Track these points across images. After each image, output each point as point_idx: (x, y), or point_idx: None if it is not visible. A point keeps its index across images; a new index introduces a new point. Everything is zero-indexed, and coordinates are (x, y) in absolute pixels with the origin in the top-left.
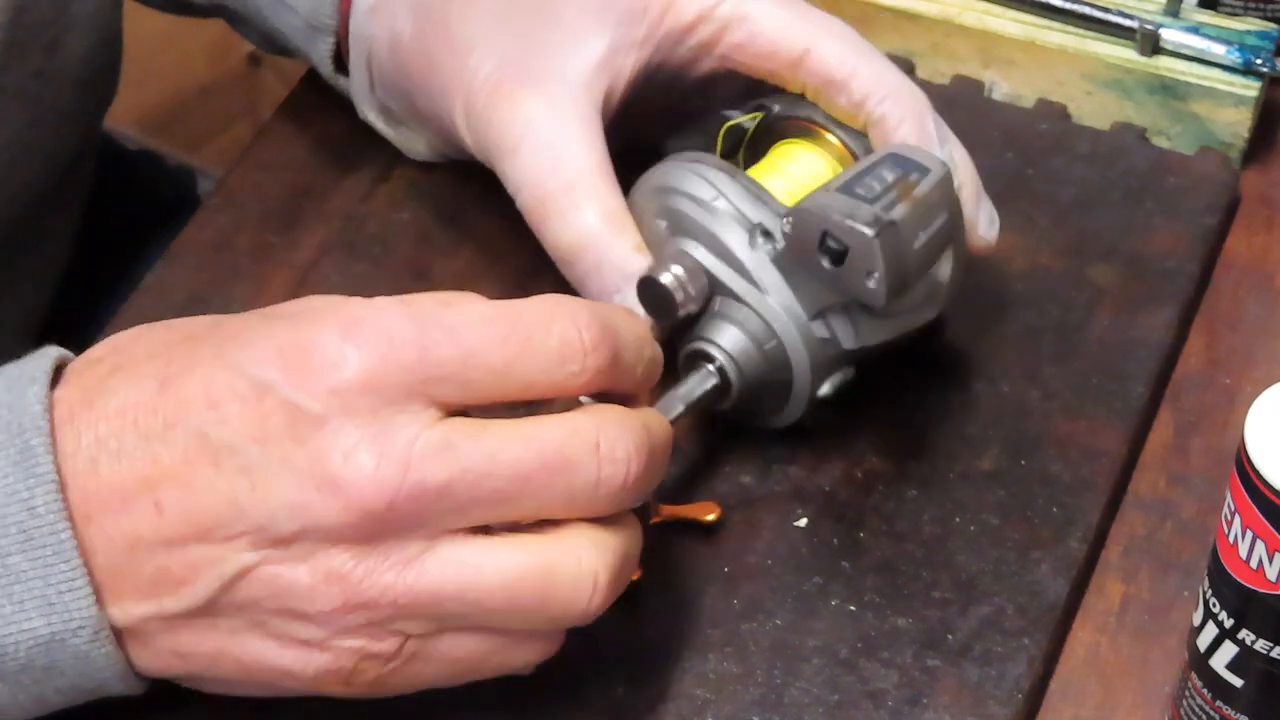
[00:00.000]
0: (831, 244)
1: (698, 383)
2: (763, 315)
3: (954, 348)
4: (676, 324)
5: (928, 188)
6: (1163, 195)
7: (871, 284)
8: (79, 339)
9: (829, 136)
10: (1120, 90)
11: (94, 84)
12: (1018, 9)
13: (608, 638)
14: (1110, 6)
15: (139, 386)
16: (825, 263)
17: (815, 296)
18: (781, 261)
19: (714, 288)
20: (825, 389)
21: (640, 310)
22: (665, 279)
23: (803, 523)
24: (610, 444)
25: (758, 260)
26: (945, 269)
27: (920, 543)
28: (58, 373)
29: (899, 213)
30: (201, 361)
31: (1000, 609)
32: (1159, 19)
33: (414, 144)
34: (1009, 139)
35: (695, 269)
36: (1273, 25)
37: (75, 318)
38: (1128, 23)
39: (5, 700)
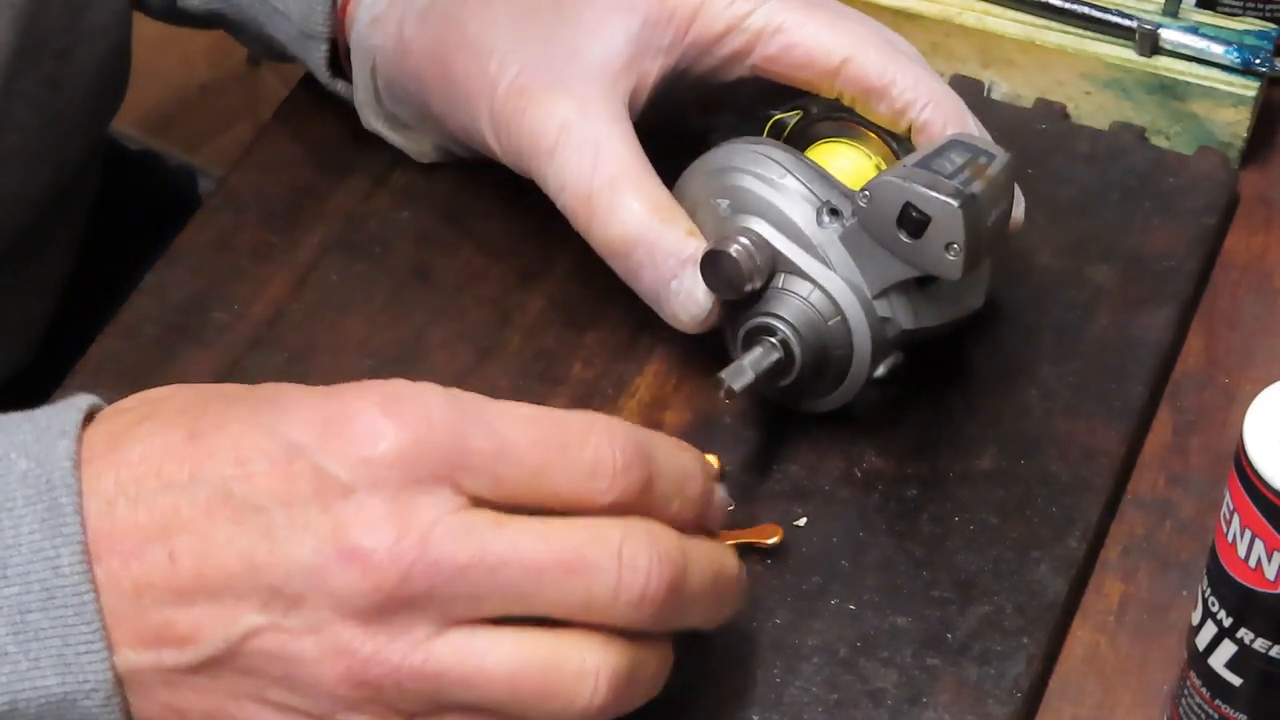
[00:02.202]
0: (914, 214)
1: (763, 355)
2: (828, 291)
3: (954, 348)
4: (740, 299)
5: (997, 170)
6: (1162, 195)
7: (951, 256)
8: (80, 339)
9: (870, 135)
10: (1119, 90)
11: (104, 92)
12: (1017, 9)
13: None
14: (1109, 6)
15: (166, 435)
16: (903, 235)
17: (880, 275)
18: (849, 239)
19: (778, 264)
20: (881, 369)
21: (700, 293)
22: (732, 249)
23: (802, 522)
24: (634, 552)
25: (825, 237)
26: (988, 259)
27: (920, 542)
28: (87, 420)
29: (977, 188)
30: (234, 420)
31: (999, 608)
32: (1158, 19)
33: (421, 146)
34: (1008, 139)
35: (761, 243)
36: (1272, 25)
37: (76, 317)
38: (1127, 23)
39: None
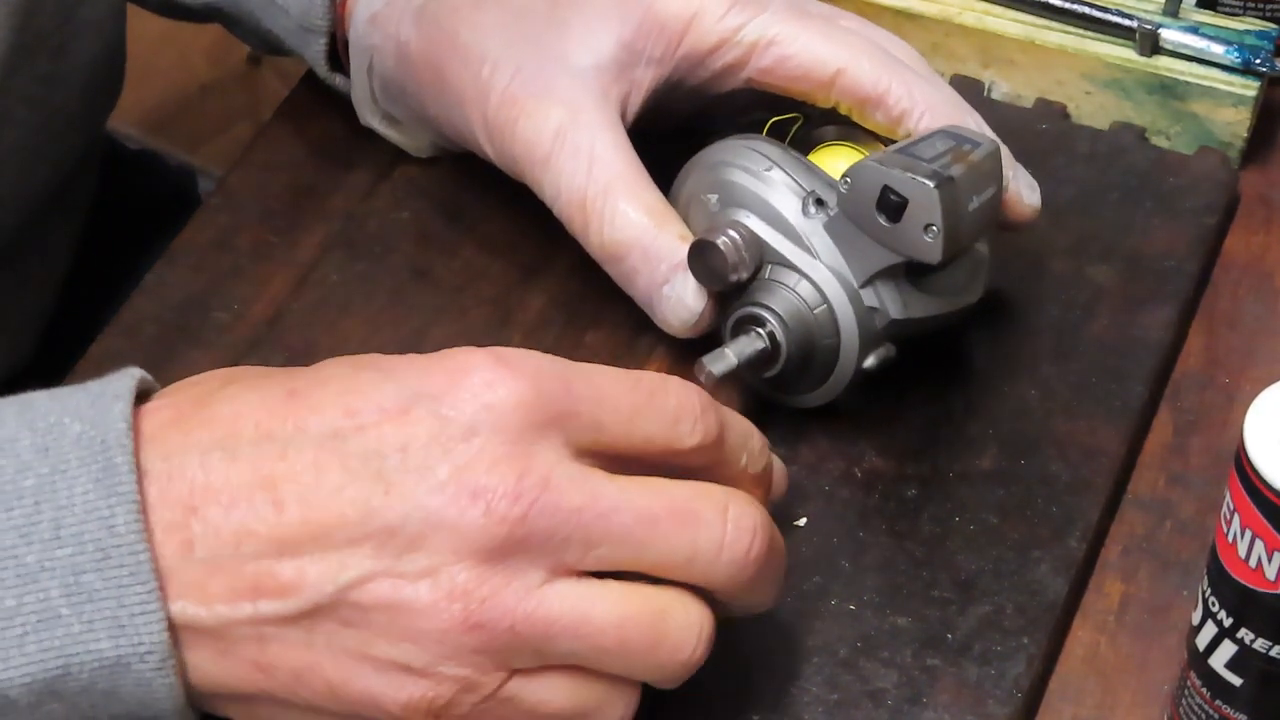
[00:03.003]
0: (892, 197)
1: (747, 343)
2: (814, 280)
3: (953, 347)
4: (727, 290)
5: (980, 156)
6: (1162, 195)
7: (929, 238)
8: (80, 338)
9: (870, 139)
10: (1119, 90)
11: (99, 89)
12: (1017, 9)
13: None
14: (1109, 6)
15: (261, 393)
16: (883, 219)
17: (866, 263)
18: (834, 229)
19: (765, 255)
20: (870, 361)
21: (690, 298)
22: (719, 240)
23: (802, 522)
24: (739, 513)
25: (811, 226)
26: (986, 253)
27: (920, 542)
28: (141, 397)
29: (956, 171)
30: (336, 378)
31: (1000, 608)
32: (1158, 19)
33: (417, 141)
34: (1008, 139)
35: (748, 234)
36: (1272, 25)
37: (76, 317)
38: (1127, 23)
39: (58, 715)
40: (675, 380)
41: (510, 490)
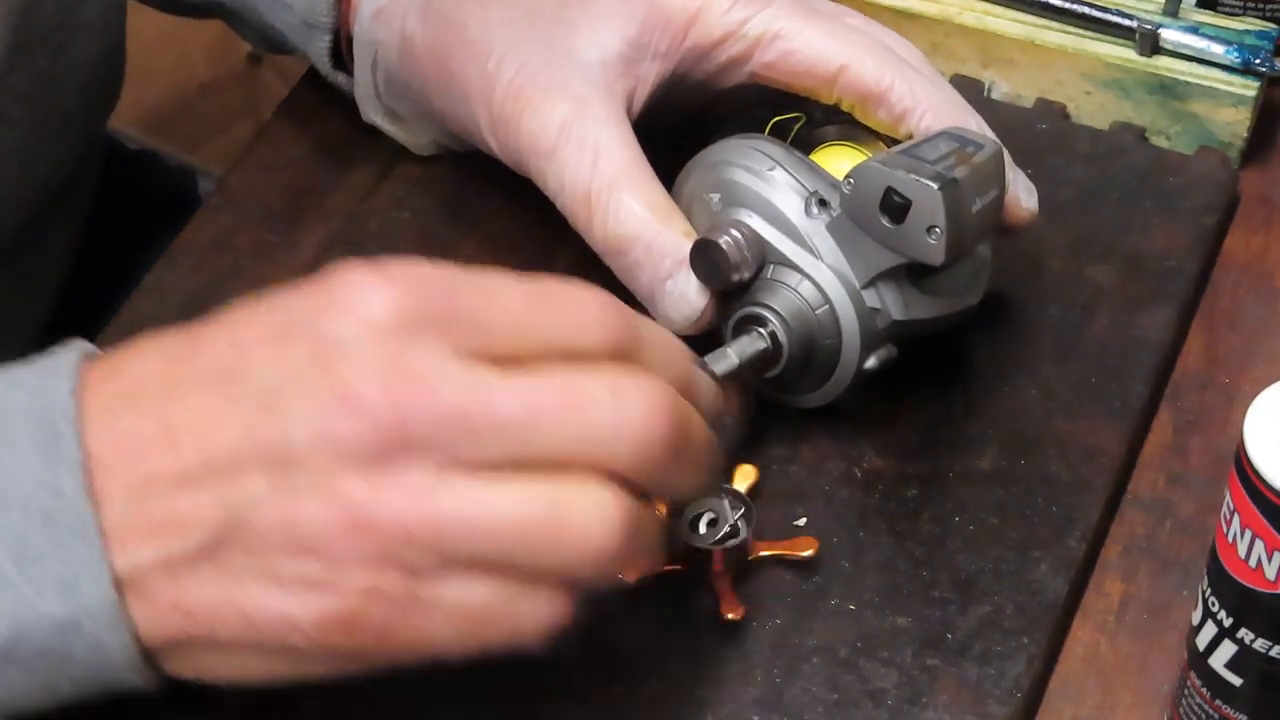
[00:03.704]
0: (895, 199)
1: (749, 343)
2: (815, 280)
3: (953, 347)
4: (729, 290)
5: (983, 159)
6: (1162, 195)
7: (932, 240)
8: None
9: (873, 138)
10: (1119, 90)
11: (99, 88)
12: (1017, 9)
13: (608, 636)
14: (1109, 6)
15: (167, 345)
16: (886, 221)
17: (868, 264)
18: (836, 229)
19: (767, 255)
20: (871, 362)
21: (693, 294)
22: (721, 240)
23: (802, 522)
24: (636, 389)
25: (813, 227)
26: (987, 255)
27: (920, 542)
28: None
29: (959, 173)
30: (228, 316)
31: (1000, 608)
32: (1158, 19)
33: (419, 139)
34: (1008, 139)
35: (750, 234)
36: (1272, 25)
37: (76, 317)
38: (1127, 23)
39: (19, 688)
40: (585, 287)
41: (384, 391)
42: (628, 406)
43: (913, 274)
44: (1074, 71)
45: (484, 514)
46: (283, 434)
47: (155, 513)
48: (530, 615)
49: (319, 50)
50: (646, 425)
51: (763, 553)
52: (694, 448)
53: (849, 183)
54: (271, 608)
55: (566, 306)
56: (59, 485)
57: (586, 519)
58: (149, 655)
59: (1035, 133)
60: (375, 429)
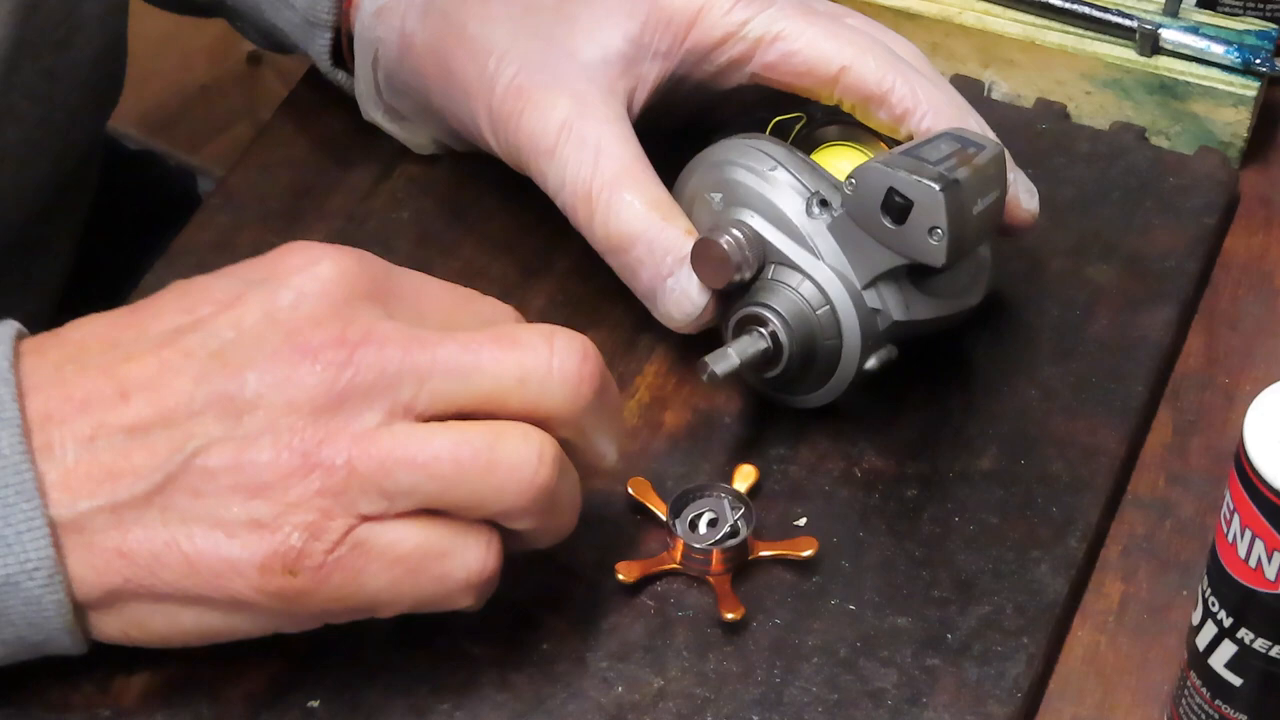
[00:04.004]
0: (897, 199)
1: (749, 343)
2: (816, 281)
3: (953, 348)
4: (730, 289)
5: (985, 160)
6: (1162, 195)
7: (934, 241)
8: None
9: (873, 139)
10: (1120, 90)
11: (101, 85)
12: (1017, 9)
13: (608, 635)
14: (1110, 6)
15: (110, 316)
16: (887, 221)
17: (869, 265)
18: (837, 229)
19: (768, 255)
20: (872, 362)
21: (695, 292)
22: (723, 240)
23: (802, 522)
24: (564, 338)
25: (814, 227)
26: (988, 256)
27: (920, 542)
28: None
29: (961, 174)
30: (173, 289)
31: (999, 608)
32: (1158, 19)
33: (419, 138)
34: (1008, 139)
35: (751, 234)
36: (1272, 25)
37: (76, 317)
38: (1127, 23)
39: None
40: (490, 299)
41: (335, 340)
42: (559, 350)
43: (914, 274)
44: (1074, 71)
45: (424, 449)
46: (237, 382)
47: (105, 460)
48: (460, 562)
49: (320, 48)
50: (578, 368)
51: (763, 553)
52: (613, 400)
53: (850, 183)
54: (215, 551)
55: (482, 309)
56: None
57: (517, 451)
58: (84, 612)
59: (1035, 133)
60: (328, 377)
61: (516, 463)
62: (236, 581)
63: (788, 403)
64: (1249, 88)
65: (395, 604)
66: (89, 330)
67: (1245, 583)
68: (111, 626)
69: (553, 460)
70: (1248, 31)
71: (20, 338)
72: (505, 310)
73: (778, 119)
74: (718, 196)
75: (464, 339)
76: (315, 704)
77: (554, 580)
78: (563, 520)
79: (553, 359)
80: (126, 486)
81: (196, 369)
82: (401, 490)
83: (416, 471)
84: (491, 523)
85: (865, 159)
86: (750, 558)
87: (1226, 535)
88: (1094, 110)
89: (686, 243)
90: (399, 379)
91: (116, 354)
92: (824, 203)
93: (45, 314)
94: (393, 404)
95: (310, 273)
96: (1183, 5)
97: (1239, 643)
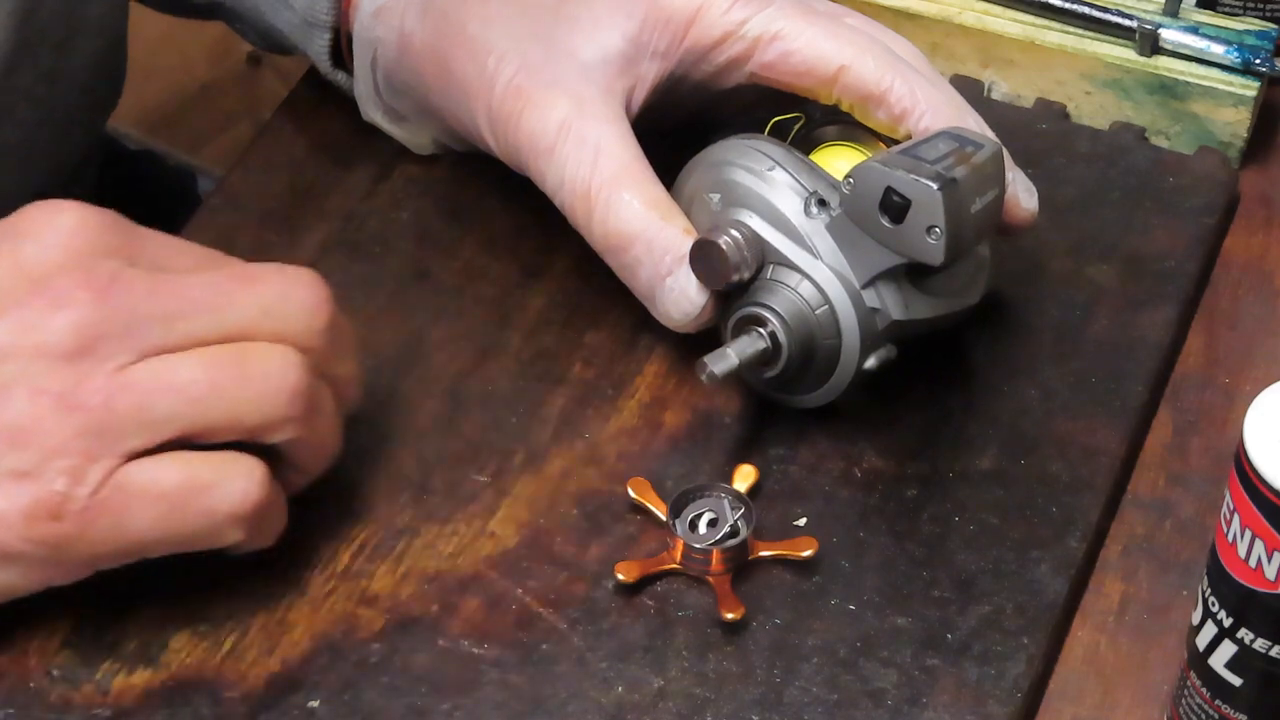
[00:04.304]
0: (895, 198)
1: (748, 343)
2: (815, 280)
3: (953, 347)
4: (729, 289)
5: (983, 159)
6: (1162, 195)
7: (932, 240)
8: None
9: (872, 138)
10: (1119, 90)
11: (100, 87)
12: (1017, 9)
13: (608, 636)
14: (1109, 6)
15: None
16: (885, 221)
17: (868, 264)
18: (836, 229)
19: (767, 255)
20: (871, 362)
21: (694, 291)
22: (721, 240)
23: (802, 522)
24: (294, 270)
25: (813, 227)
26: (987, 255)
27: (920, 542)
28: None
29: (959, 173)
30: None
31: (999, 608)
32: (1158, 19)
33: (419, 138)
34: (1008, 139)
35: (750, 234)
36: (1272, 25)
37: None
38: (1127, 23)
39: None
40: (234, 259)
41: (80, 283)
42: (294, 280)
43: (912, 274)
44: (1074, 71)
45: (178, 376)
46: None
47: None
48: (224, 493)
49: (319, 49)
50: (313, 297)
51: (763, 553)
52: (346, 329)
53: (849, 183)
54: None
55: (233, 265)
56: None
57: (268, 359)
58: None
59: (1035, 133)
60: (75, 314)
61: (268, 370)
62: (4, 534)
63: (787, 403)
64: (1249, 88)
65: (164, 542)
66: None
67: (1245, 583)
68: None
69: (301, 363)
70: (1248, 31)
71: None
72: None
73: (776, 119)
74: (716, 196)
75: (207, 279)
76: (315, 704)
77: (554, 580)
78: (324, 435)
79: (289, 289)
80: None
81: None
82: (161, 419)
83: (173, 396)
84: (259, 453)
85: (864, 159)
86: (750, 558)
87: (1226, 535)
88: (1094, 110)
89: (685, 242)
90: (149, 318)
91: None
92: (822, 202)
93: None
94: (144, 344)
95: (54, 224)
96: (1183, 5)
97: (1239, 643)
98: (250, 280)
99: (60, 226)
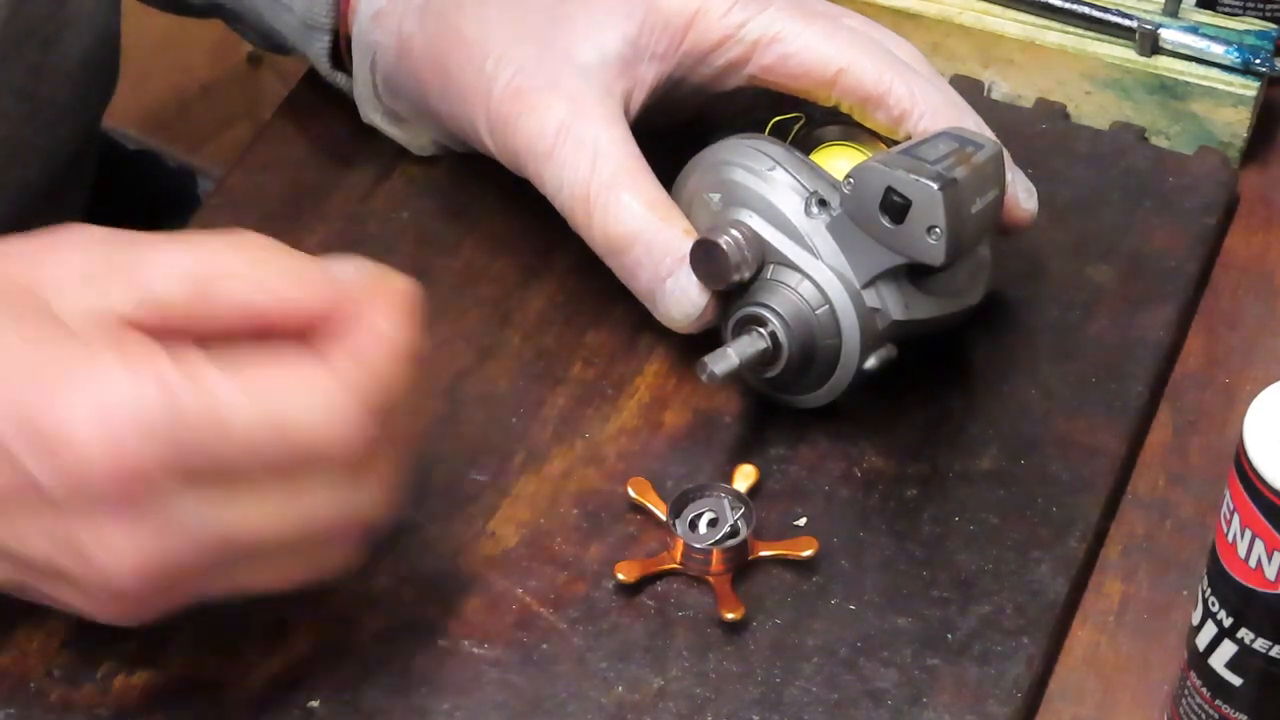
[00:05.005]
0: (895, 198)
1: (749, 343)
2: (815, 280)
3: (953, 347)
4: (729, 289)
5: (983, 159)
6: (1162, 195)
7: (932, 240)
8: None
9: (873, 139)
10: (1119, 90)
11: (91, 82)
12: (1017, 9)
13: (608, 635)
14: (1109, 6)
15: None
16: (886, 221)
17: (868, 264)
18: (836, 229)
19: (767, 255)
20: (871, 362)
21: (695, 292)
22: (722, 240)
23: (802, 522)
24: (328, 402)
25: (813, 227)
26: (987, 255)
27: (920, 542)
28: None
29: (959, 173)
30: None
31: (1000, 608)
32: (1158, 19)
33: (418, 139)
34: (1008, 139)
35: (750, 234)
36: (1272, 25)
37: None
38: (1127, 23)
39: None
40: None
41: (132, 574)
42: (329, 410)
43: (913, 274)
44: (1074, 71)
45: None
46: (28, 555)
47: None
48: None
49: (318, 51)
50: (356, 430)
51: (763, 553)
52: (397, 418)
53: (849, 183)
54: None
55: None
56: None
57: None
58: None
59: (1035, 133)
60: (120, 593)
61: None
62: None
63: (788, 403)
64: (1249, 88)
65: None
66: None
67: (1245, 583)
68: None
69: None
70: (1248, 31)
71: None
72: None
73: (776, 119)
74: (716, 197)
75: (257, 526)
76: (315, 704)
77: (554, 580)
78: (393, 490)
79: (331, 434)
80: None
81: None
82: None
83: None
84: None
85: (864, 159)
86: (750, 558)
87: (1226, 535)
88: (1094, 110)
89: (685, 243)
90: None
91: None
92: (823, 202)
93: None
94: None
95: (77, 469)
96: (1183, 5)
97: (1239, 643)
98: (286, 427)
99: (91, 472)
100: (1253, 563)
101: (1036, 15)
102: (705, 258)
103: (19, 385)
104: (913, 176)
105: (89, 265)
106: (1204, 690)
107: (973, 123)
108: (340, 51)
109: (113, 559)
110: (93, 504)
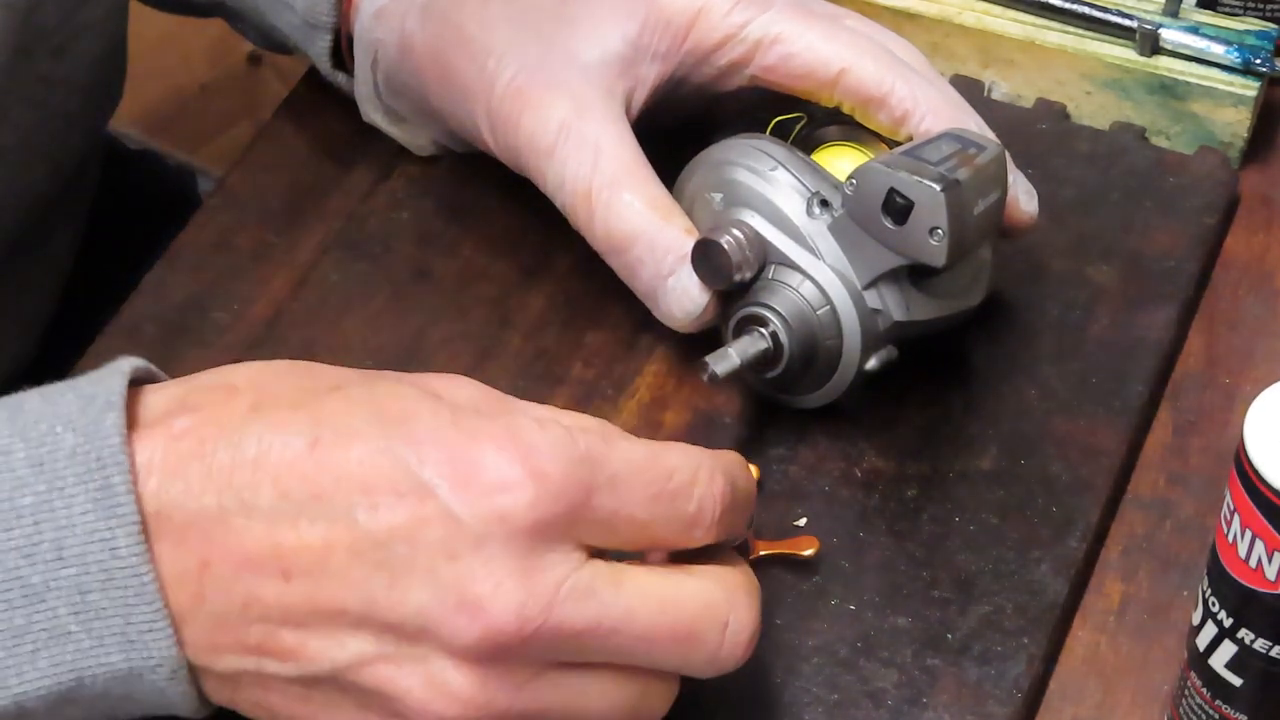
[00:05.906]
0: (898, 200)
1: (749, 343)
2: (817, 281)
3: (953, 348)
4: (730, 289)
5: (986, 160)
6: (1162, 195)
7: (934, 241)
8: (80, 339)
9: (874, 139)
10: (1120, 90)
11: (100, 90)
12: (1017, 9)
13: None
14: (1110, 6)
15: (285, 439)
16: (888, 222)
17: (870, 265)
18: (838, 230)
19: (769, 256)
20: (872, 363)
21: (696, 290)
22: (723, 240)
23: (802, 522)
24: (739, 625)
25: (815, 227)
26: (988, 256)
27: (920, 542)
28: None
29: (962, 174)
30: (360, 436)
31: (1000, 608)
32: (1158, 19)
33: (419, 139)
34: (1008, 139)
35: (752, 234)
36: (1272, 25)
37: (76, 317)
38: (1127, 23)
39: (76, 717)
40: (704, 475)
41: (513, 612)
42: (728, 647)
43: (914, 275)
44: (1074, 71)
45: (576, 704)
46: (400, 613)
47: (255, 633)
48: (645, 712)
49: (319, 50)
50: (735, 662)
51: (763, 553)
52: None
53: (851, 183)
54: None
55: (685, 508)
56: (115, 544)
57: (661, 702)
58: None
59: (1035, 133)
60: (494, 645)
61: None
62: None
63: (788, 403)
64: (1249, 88)
65: None
66: (264, 454)
67: (1245, 583)
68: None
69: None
70: (1248, 31)
71: (140, 379)
72: (708, 505)
73: (778, 119)
74: (718, 196)
75: (643, 625)
76: None
77: None
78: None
79: (719, 653)
80: (274, 665)
81: (361, 575)
82: None
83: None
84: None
85: (866, 159)
86: (750, 558)
87: (1226, 535)
88: (1094, 110)
89: (686, 242)
90: (566, 651)
91: (285, 514)
92: (824, 203)
93: (45, 314)
94: (554, 664)
95: (502, 506)
96: (1183, 5)
97: (1239, 643)
98: (686, 642)
99: (508, 515)
100: (1253, 563)
101: (1036, 15)
102: (706, 257)
103: (442, 433)
104: (915, 178)
105: None
106: (1204, 690)
107: (974, 123)
108: (341, 50)
109: (500, 599)
110: (509, 539)
